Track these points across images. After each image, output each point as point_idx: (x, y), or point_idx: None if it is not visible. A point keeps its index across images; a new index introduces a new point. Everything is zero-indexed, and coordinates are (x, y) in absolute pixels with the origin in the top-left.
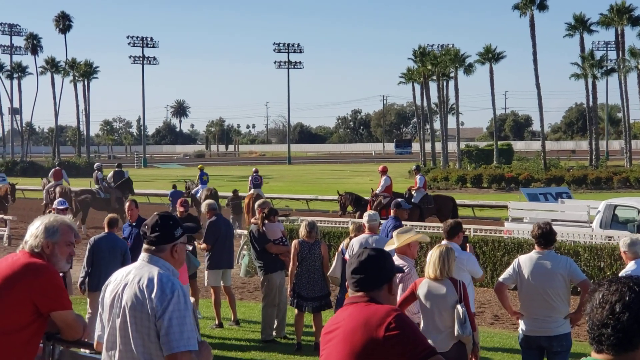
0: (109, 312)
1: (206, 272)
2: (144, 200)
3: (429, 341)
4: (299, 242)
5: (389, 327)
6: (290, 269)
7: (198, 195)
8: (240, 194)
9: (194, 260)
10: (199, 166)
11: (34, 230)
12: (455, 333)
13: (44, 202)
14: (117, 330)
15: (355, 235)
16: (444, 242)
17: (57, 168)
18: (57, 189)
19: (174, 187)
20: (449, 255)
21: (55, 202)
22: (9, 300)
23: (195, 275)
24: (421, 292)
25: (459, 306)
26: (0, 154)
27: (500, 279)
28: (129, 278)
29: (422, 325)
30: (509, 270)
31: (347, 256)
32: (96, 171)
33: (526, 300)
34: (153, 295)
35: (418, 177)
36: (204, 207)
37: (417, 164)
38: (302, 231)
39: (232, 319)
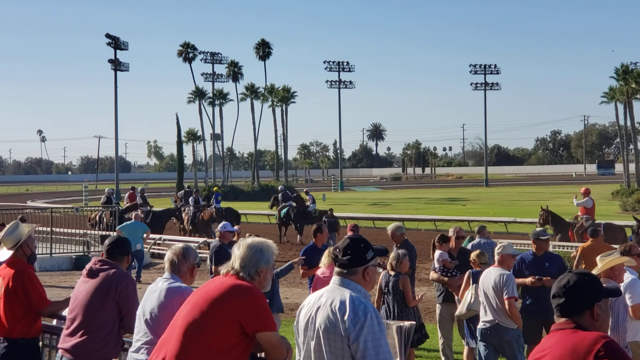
0: (304, 335)
1: None
2: (342, 224)
3: None
4: (382, 275)
5: (597, 355)
6: (375, 300)
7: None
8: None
9: None
10: (214, 188)
11: (249, 254)
12: None
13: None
14: (312, 353)
15: (482, 267)
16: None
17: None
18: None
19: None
20: None
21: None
22: (217, 321)
23: None
24: None
25: None
26: (203, 179)
27: None
28: (322, 301)
29: None
30: None
31: None
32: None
33: None
34: (346, 318)
35: None
36: (390, 230)
37: None
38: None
39: None
